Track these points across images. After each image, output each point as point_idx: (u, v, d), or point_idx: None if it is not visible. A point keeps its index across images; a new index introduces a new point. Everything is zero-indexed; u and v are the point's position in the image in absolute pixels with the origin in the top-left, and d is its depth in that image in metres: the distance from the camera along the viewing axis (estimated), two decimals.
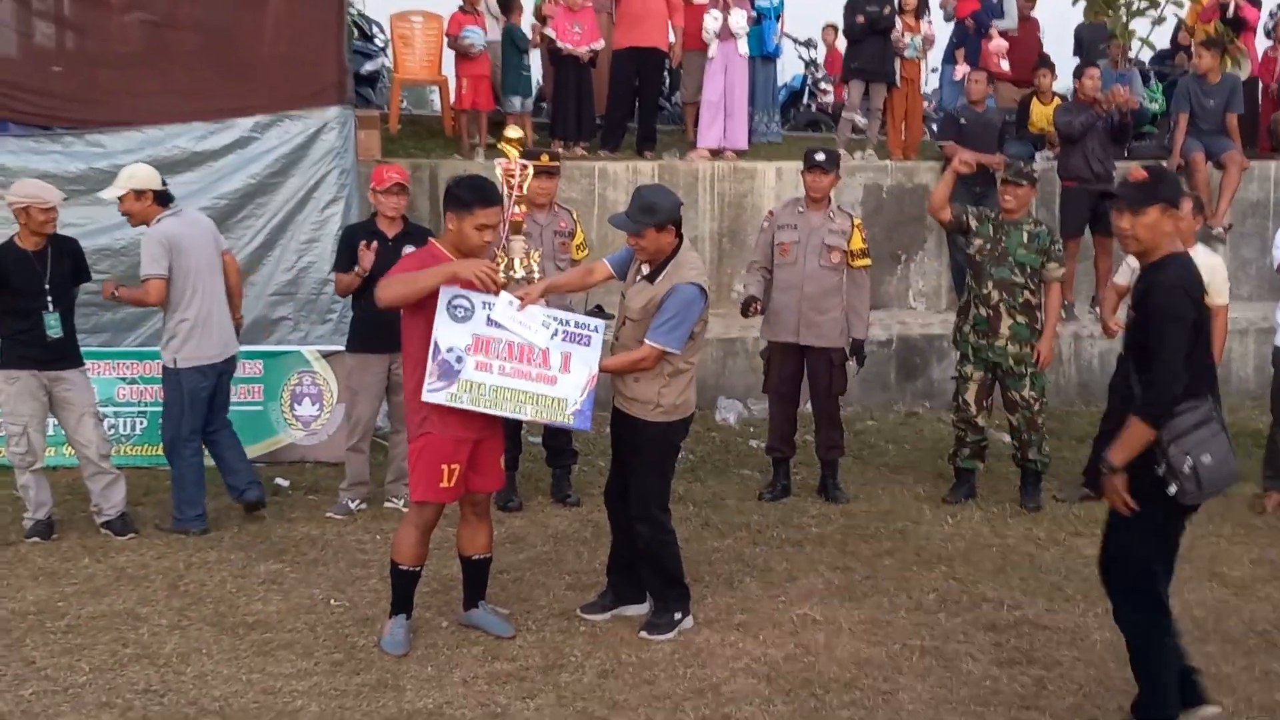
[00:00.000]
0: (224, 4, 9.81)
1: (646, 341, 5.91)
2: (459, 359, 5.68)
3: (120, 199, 7.66)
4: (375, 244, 7.77)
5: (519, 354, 5.80)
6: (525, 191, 6.03)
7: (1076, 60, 14.34)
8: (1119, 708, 5.51)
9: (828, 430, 8.63)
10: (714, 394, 10.72)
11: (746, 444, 10.04)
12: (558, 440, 8.35)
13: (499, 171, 5.97)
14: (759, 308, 8.37)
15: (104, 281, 7.95)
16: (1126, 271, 8.44)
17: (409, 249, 7.75)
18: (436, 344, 5.66)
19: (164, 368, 7.85)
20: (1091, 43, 13.92)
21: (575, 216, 8.34)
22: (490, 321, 5.73)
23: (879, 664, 5.93)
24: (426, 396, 5.67)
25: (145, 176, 7.72)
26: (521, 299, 5.79)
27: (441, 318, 5.67)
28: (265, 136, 9.59)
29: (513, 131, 6.17)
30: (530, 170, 6.03)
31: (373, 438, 8.86)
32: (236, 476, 8.04)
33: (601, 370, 5.93)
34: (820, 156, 8.40)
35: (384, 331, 7.77)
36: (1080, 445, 9.84)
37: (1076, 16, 14.05)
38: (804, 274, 8.32)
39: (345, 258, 8.00)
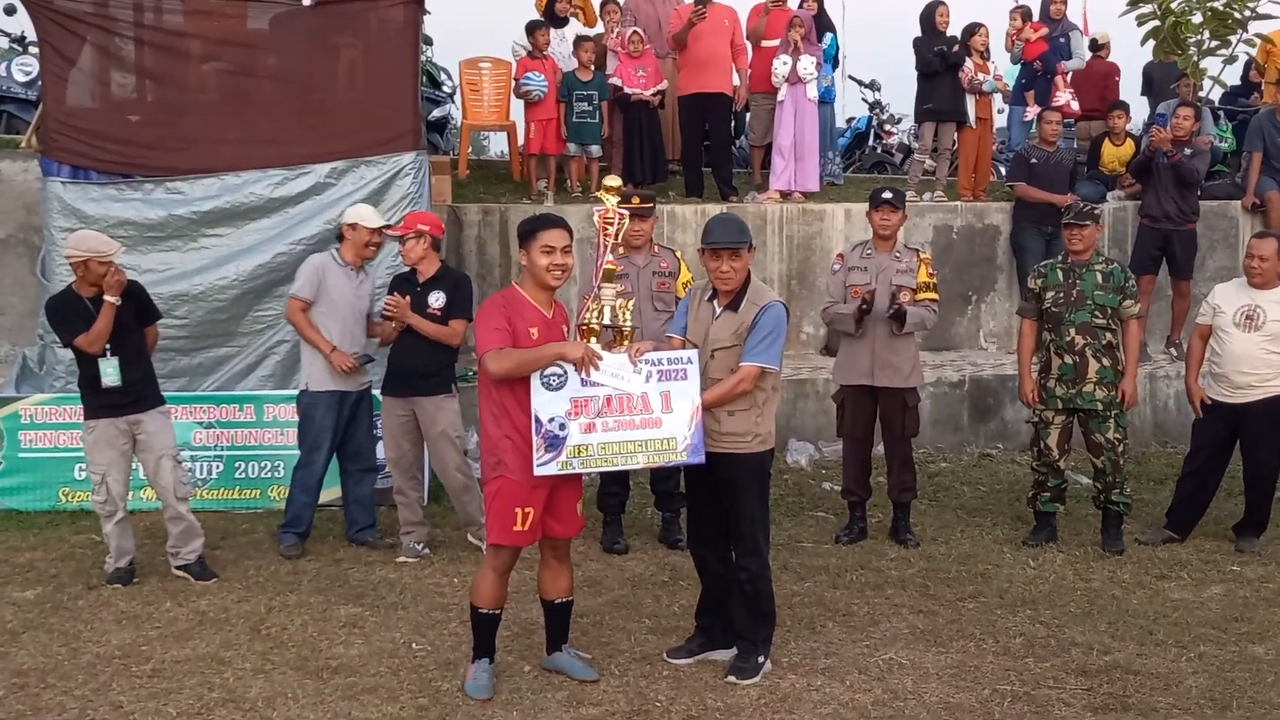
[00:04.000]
0: (300, 52, 9.93)
1: (747, 363, 5.96)
2: (562, 426, 5.70)
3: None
4: (400, 299, 7.95)
5: (619, 406, 5.79)
6: (620, 239, 6.05)
7: (1145, 99, 14.30)
8: None
9: (900, 472, 8.55)
10: (785, 436, 10.63)
11: (819, 486, 9.97)
12: (667, 484, 8.31)
13: (596, 219, 6.00)
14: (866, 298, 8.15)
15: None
16: (1209, 311, 8.35)
17: (436, 294, 7.94)
18: (537, 417, 5.69)
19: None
20: (1161, 82, 13.83)
21: (679, 255, 8.33)
22: (585, 381, 5.75)
23: (970, 709, 5.83)
24: (538, 471, 5.70)
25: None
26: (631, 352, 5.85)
27: (536, 390, 5.71)
28: (341, 182, 9.67)
29: (612, 180, 6.18)
30: (627, 219, 6.06)
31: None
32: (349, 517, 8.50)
33: (704, 406, 5.91)
34: (888, 194, 8.36)
35: (402, 377, 8.03)
36: (1159, 487, 9.74)
37: (1145, 55, 13.96)
38: (876, 316, 8.27)
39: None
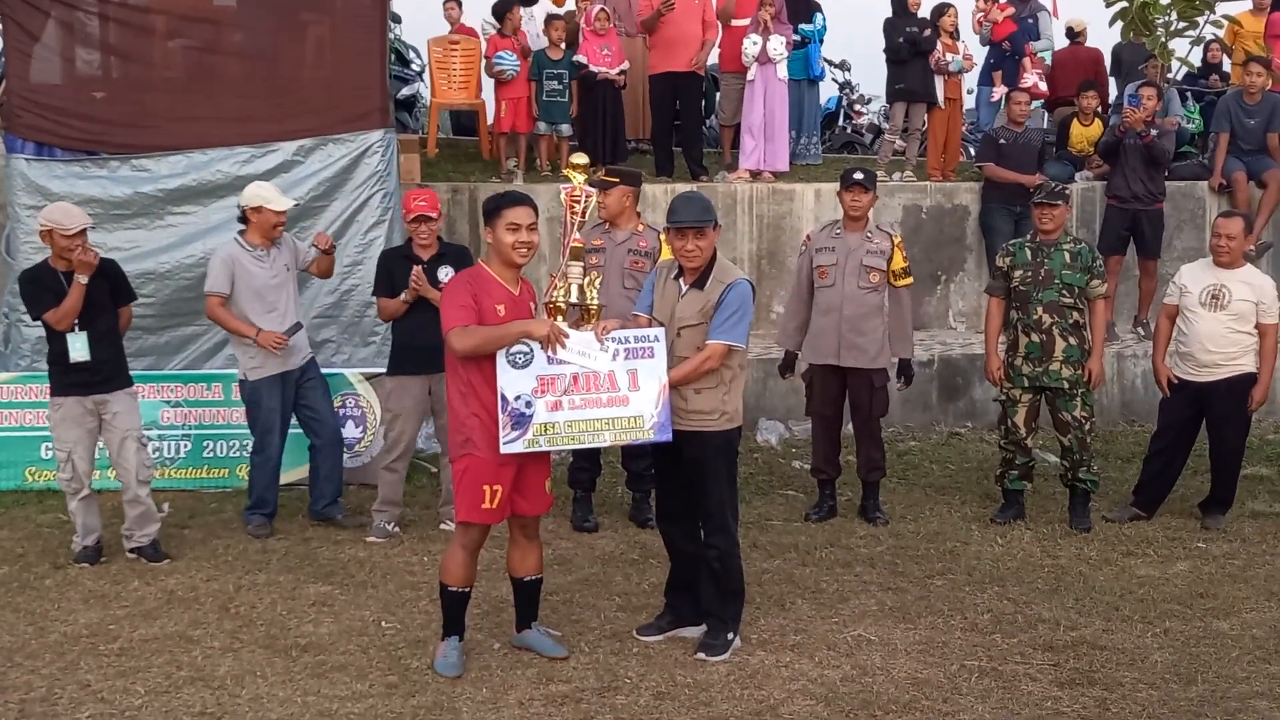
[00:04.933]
0: (267, 29, 9.86)
1: (713, 340, 5.97)
2: (528, 404, 5.70)
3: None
4: (421, 271, 7.84)
5: (585, 384, 5.80)
6: (587, 218, 6.05)
7: (1113, 80, 14.34)
8: None
9: (868, 451, 8.57)
10: (755, 414, 10.66)
11: (789, 465, 10.00)
12: (639, 463, 8.26)
13: (563, 197, 5.99)
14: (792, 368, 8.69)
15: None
16: (1175, 291, 8.40)
17: (445, 269, 7.84)
18: (503, 395, 5.68)
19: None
20: (1130, 63, 13.88)
21: (663, 237, 8.24)
22: (551, 359, 5.74)
23: (938, 685, 5.87)
24: (504, 449, 5.70)
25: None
26: (597, 331, 5.85)
27: (502, 367, 5.70)
28: (309, 160, 9.61)
29: (579, 158, 6.17)
30: (594, 197, 6.05)
31: (422, 460, 8.94)
32: (315, 492, 8.40)
33: (671, 384, 5.91)
34: (859, 175, 8.35)
35: (421, 354, 7.87)
36: (1126, 465, 9.81)
37: (1114, 36, 14.04)
38: (843, 296, 8.28)
39: (385, 282, 8.09)
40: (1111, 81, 14.34)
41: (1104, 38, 14.28)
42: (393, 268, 8.05)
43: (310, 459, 8.45)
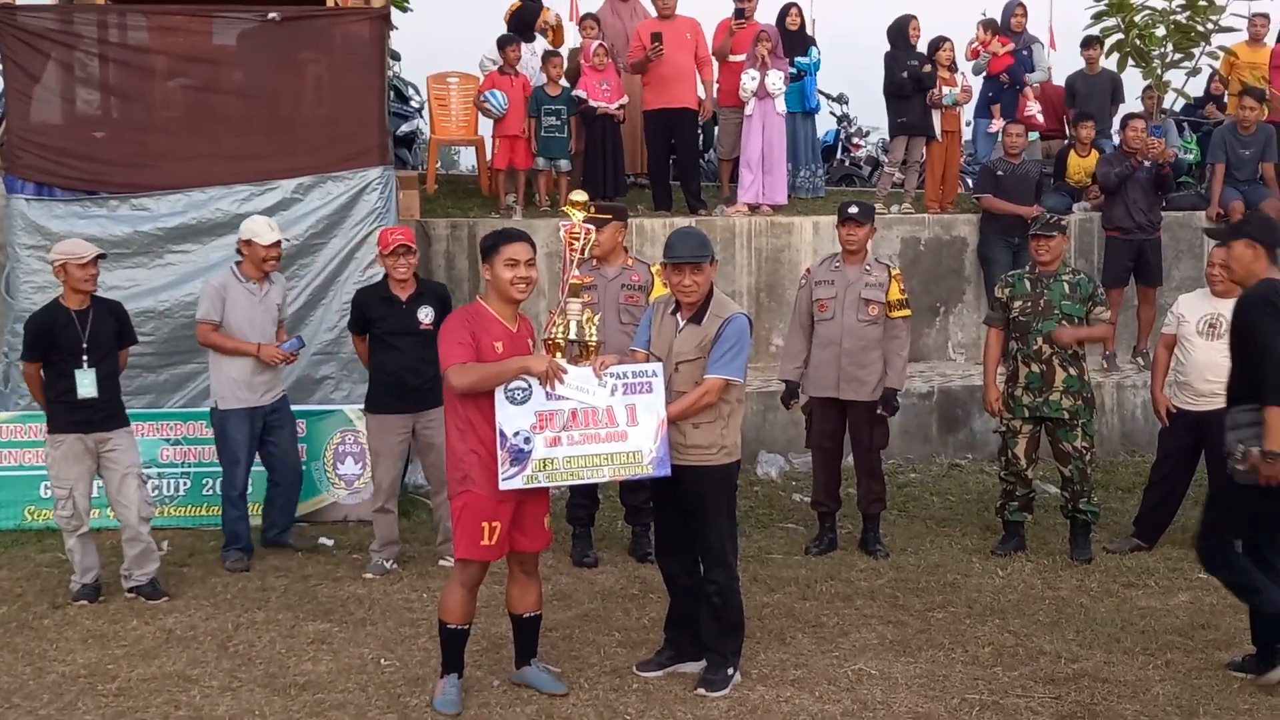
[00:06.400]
0: (266, 68, 9.90)
1: (710, 375, 5.97)
2: (527, 440, 5.70)
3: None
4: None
5: (584, 419, 5.80)
6: (587, 254, 6.06)
7: (1071, 111, 14.41)
8: None
9: (868, 483, 8.57)
10: (755, 447, 10.66)
11: (789, 498, 9.99)
12: (637, 497, 8.25)
13: (562, 234, 6.00)
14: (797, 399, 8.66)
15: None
16: (1173, 321, 8.41)
17: (425, 309, 7.89)
18: (502, 431, 5.68)
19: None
20: (1085, 94, 13.89)
21: (654, 270, 8.13)
22: (549, 395, 5.74)
23: (939, 719, 5.85)
24: (504, 485, 5.69)
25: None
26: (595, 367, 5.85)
27: (501, 404, 5.70)
28: (308, 198, 9.64)
29: (578, 195, 6.19)
30: (593, 233, 6.06)
31: (420, 496, 8.93)
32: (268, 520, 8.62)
33: (669, 419, 5.91)
34: (854, 209, 8.37)
35: (402, 393, 7.91)
36: (1127, 495, 9.78)
37: (1067, 67, 14.18)
38: (842, 329, 8.29)
39: (357, 319, 8.18)
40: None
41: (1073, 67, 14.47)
42: (366, 306, 8.12)
43: (267, 492, 8.60)
